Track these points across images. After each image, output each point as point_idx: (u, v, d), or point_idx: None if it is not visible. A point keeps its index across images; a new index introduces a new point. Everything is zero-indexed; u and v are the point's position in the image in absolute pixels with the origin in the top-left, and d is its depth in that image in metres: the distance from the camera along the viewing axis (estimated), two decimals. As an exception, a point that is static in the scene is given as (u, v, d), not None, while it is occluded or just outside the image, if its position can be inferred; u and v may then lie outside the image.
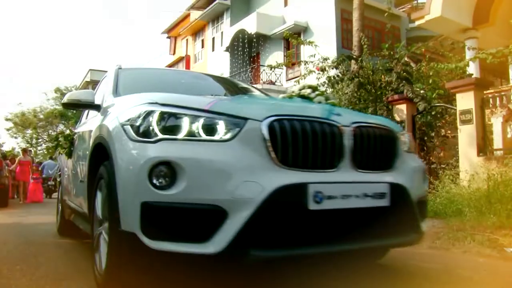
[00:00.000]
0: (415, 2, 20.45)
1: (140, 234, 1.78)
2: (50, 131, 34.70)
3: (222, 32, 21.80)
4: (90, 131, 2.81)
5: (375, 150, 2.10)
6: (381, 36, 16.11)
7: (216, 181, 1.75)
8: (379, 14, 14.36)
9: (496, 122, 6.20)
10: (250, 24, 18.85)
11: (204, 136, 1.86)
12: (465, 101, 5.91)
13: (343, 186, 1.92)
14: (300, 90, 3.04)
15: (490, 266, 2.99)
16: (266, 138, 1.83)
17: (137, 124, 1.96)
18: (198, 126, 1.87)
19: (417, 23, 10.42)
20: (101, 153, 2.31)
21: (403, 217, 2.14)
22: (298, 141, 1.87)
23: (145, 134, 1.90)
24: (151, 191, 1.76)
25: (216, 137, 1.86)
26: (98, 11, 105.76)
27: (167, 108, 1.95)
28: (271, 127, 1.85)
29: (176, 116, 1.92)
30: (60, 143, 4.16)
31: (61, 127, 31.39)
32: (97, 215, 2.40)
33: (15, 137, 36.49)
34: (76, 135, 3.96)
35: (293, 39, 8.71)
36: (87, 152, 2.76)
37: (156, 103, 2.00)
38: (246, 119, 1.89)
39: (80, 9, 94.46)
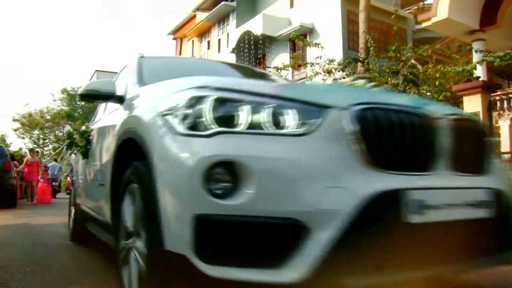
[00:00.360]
0: (421, 3, 20.40)
1: (193, 257, 1.37)
2: (57, 131, 34.96)
3: (228, 34, 21.84)
4: (114, 125, 2.43)
5: (472, 148, 1.76)
6: (388, 37, 16.08)
7: (293, 187, 1.37)
8: (385, 16, 14.34)
9: (503, 125, 6.19)
10: (256, 26, 18.87)
11: (273, 129, 1.47)
12: (472, 104, 5.92)
13: (444, 192, 1.56)
14: (353, 80, 2.68)
15: (496, 271, 2.98)
16: (353, 131, 1.45)
17: (184, 113, 1.55)
18: (264, 116, 1.48)
19: (423, 25, 10.40)
20: (130, 151, 1.96)
21: (502, 229, 1.77)
22: (392, 135, 1.50)
23: (195, 126, 1.50)
24: (208, 201, 1.37)
25: (288, 130, 1.47)
26: (101, 12, 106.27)
27: (223, 93, 1.55)
28: (360, 118, 1.47)
29: (235, 102, 1.51)
30: (75, 141, 3.66)
31: (67, 127, 31.60)
32: (124, 226, 1.99)
33: (22, 138, 36.80)
34: (93, 132, 3.52)
35: (299, 40, 8.69)
36: (111, 151, 2.36)
37: (207, 87, 1.59)
38: (327, 107, 1.49)
39: (84, 9, 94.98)
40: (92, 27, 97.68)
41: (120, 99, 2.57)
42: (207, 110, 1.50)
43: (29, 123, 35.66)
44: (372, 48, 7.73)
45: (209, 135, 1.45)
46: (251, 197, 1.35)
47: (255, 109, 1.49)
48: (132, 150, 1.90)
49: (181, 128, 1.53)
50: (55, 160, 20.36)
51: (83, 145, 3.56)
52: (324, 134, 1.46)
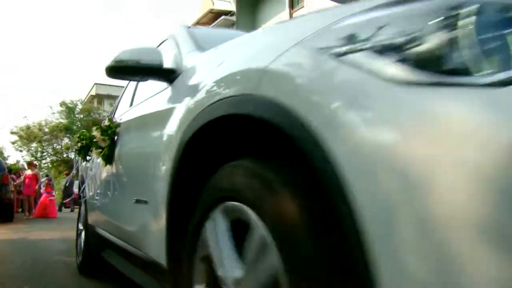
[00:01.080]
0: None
1: None
2: (55, 144, 34.86)
3: (227, 48, 22.00)
4: (168, 110, 1.62)
5: None
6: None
7: None
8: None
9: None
10: (255, 40, 19.01)
11: None
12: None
13: None
14: None
15: None
16: None
17: (405, 41, 0.71)
18: None
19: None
20: (214, 144, 1.26)
21: None
22: None
23: (448, 67, 0.65)
24: None
25: None
26: (101, 12, 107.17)
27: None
28: None
29: None
30: (94, 139, 2.61)
31: (66, 141, 31.59)
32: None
33: (20, 151, 36.63)
34: (119, 128, 2.51)
35: (300, 55, 8.74)
36: (170, 147, 1.45)
37: None
38: None
39: (82, 9, 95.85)
40: (91, 27, 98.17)
41: (168, 75, 1.80)
42: (475, 34, 0.66)
43: (27, 136, 35.56)
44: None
45: (502, 83, 0.61)
46: None
47: None
48: (223, 141, 1.22)
49: (410, 74, 0.68)
50: (47, 175, 20.28)
51: (107, 145, 2.53)
52: None
